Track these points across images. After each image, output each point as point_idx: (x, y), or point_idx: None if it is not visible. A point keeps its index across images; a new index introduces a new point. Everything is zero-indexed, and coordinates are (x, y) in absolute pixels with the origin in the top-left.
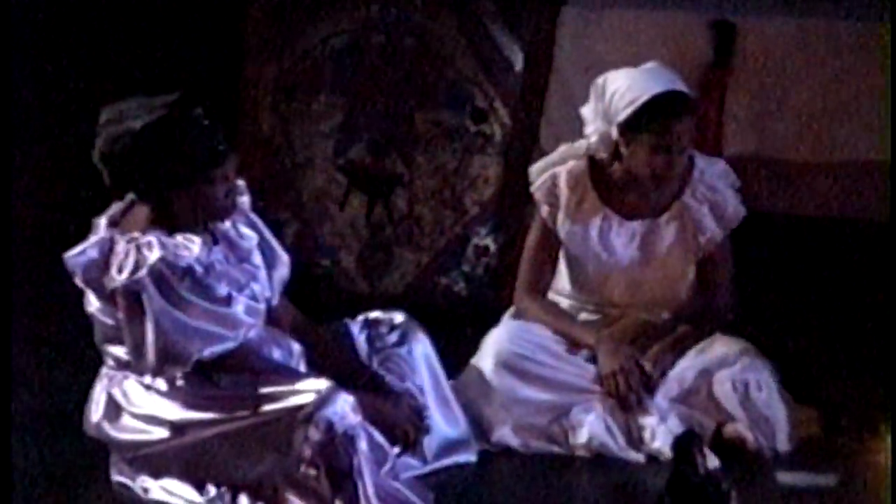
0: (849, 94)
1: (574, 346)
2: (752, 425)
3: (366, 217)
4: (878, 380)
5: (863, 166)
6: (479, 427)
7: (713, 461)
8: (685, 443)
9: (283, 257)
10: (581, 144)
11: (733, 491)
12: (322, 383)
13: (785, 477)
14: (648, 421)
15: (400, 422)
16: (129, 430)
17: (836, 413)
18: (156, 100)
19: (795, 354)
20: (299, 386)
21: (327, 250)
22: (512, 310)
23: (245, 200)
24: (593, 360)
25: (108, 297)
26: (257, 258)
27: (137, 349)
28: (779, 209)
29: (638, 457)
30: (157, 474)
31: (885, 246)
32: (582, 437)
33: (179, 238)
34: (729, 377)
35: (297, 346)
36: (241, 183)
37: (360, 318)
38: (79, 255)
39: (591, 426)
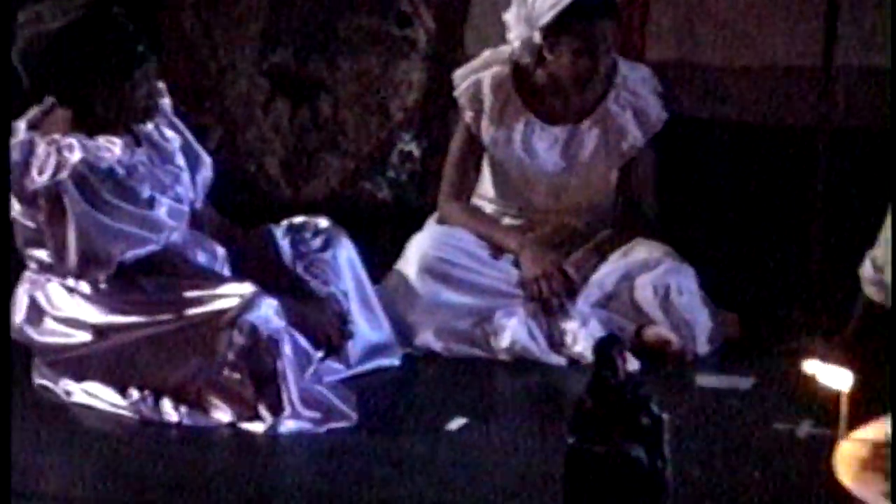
0: None
1: (497, 250)
2: (672, 329)
3: (289, 122)
4: (794, 284)
5: (785, 71)
6: (403, 331)
7: (634, 364)
8: (606, 346)
9: (206, 160)
10: (505, 49)
11: (653, 393)
12: (246, 287)
13: (704, 379)
14: (570, 325)
15: (323, 326)
16: (52, 333)
17: (754, 317)
18: (73, 0)
19: (716, 259)
20: (223, 290)
21: (251, 155)
22: (435, 215)
23: (167, 103)
24: (516, 264)
25: (29, 199)
26: (180, 160)
27: (59, 252)
28: (701, 114)
29: (559, 360)
30: (79, 377)
31: (806, 151)
32: (504, 340)
33: (101, 140)
34: (650, 281)
35: (220, 251)
36: (161, 85)
37: (285, 223)
38: None
39: (514, 330)
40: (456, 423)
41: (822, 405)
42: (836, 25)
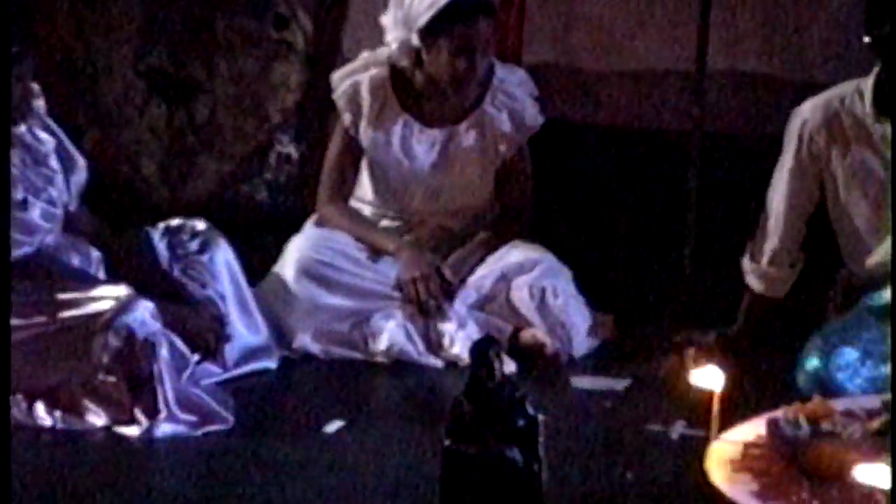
0: (646, 4)
1: (375, 253)
2: (548, 331)
3: (166, 124)
4: (669, 285)
5: (658, 76)
6: (281, 334)
7: (510, 366)
8: (482, 348)
9: (81, 162)
10: (383, 51)
11: (529, 395)
12: (121, 290)
13: (579, 381)
14: (447, 327)
15: (201, 329)
16: None
17: (629, 319)
18: None
19: (591, 261)
20: (98, 292)
21: (127, 157)
22: (314, 217)
23: (40, 104)
24: (396, 266)
25: None
26: (54, 162)
27: None
28: (576, 118)
29: (436, 362)
30: None
31: (679, 154)
32: (382, 343)
33: None
34: (526, 283)
35: (95, 253)
36: (35, 86)
37: (161, 225)
38: None
39: (391, 333)
40: (333, 426)
41: (694, 407)
42: (708, 31)
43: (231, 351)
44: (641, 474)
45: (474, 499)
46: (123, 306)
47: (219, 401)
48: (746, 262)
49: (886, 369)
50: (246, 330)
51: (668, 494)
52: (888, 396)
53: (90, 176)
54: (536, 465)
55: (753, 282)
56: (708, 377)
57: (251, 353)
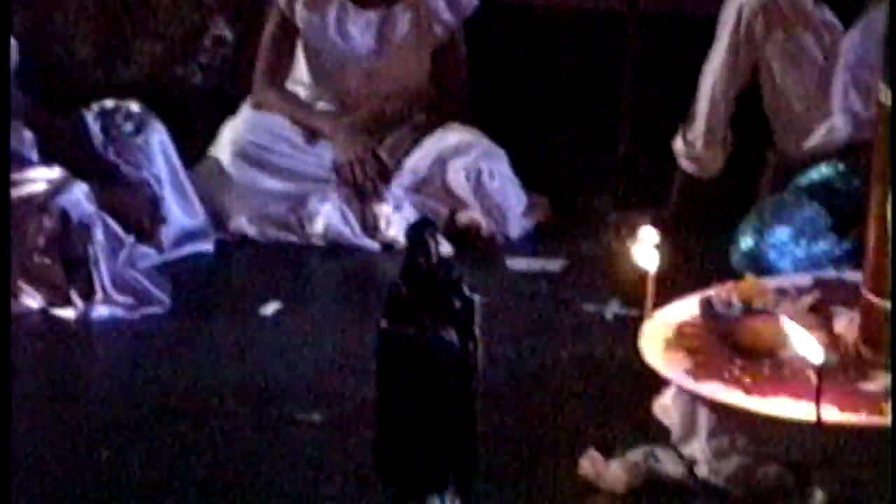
0: None
1: (311, 135)
2: (484, 212)
3: (99, 5)
4: (604, 165)
5: None
6: (217, 216)
7: (446, 248)
8: (418, 230)
9: (12, 43)
10: None
11: (465, 276)
12: (55, 172)
13: (515, 262)
14: (384, 210)
15: (136, 211)
16: None
17: (565, 200)
18: None
19: (527, 143)
20: (32, 174)
21: (60, 39)
22: (249, 100)
23: None
24: (332, 149)
25: None
26: None
27: None
28: None
29: (373, 245)
30: None
31: (614, 35)
32: (318, 226)
33: None
34: (462, 165)
35: (29, 135)
36: None
37: (95, 106)
38: None
39: (327, 215)
40: (270, 308)
41: (629, 287)
42: None
43: (167, 233)
44: (576, 353)
45: (411, 379)
46: (58, 188)
47: (155, 283)
48: (679, 144)
49: (818, 247)
50: (182, 212)
51: (603, 373)
52: (820, 274)
53: (21, 57)
54: (472, 346)
55: (686, 163)
56: (642, 257)
57: (187, 236)
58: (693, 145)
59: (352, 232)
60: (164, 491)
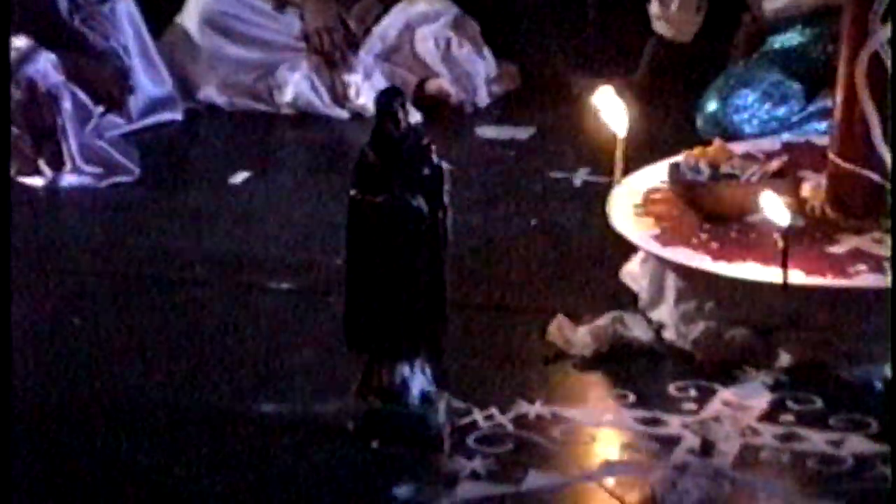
0: None
1: (280, 3)
2: (453, 80)
3: None
4: (572, 32)
5: None
6: (185, 85)
7: (415, 116)
8: (387, 98)
9: None
10: None
11: (434, 144)
12: (22, 41)
13: (484, 130)
14: (353, 78)
15: (104, 80)
16: None
17: (534, 68)
18: None
19: (496, 10)
20: None
21: None
22: None
23: None
24: (301, 17)
25: None
26: None
27: None
28: None
29: (342, 113)
30: None
31: None
32: (287, 94)
33: None
34: (431, 34)
35: None
36: None
37: None
38: None
39: (296, 84)
40: (239, 177)
41: (597, 154)
42: None
43: (135, 103)
44: (546, 220)
45: (380, 247)
46: (24, 57)
47: (123, 152)
48: (654, 7)
49: (785, 111)
50: (150, 81)
51: (572, 239)
52: (787, 138)
53: None
54: (441, 213)
55: (661, 27)
56: (611, 123)
57: (155, 105)
58: (669, 7)
59: (321, 101)
60: (134, 357)
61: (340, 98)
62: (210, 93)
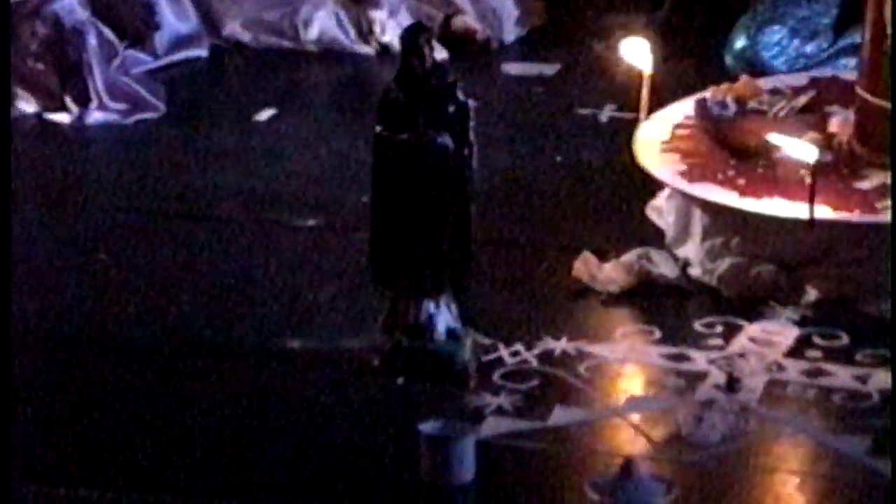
0: None
1: None
2: (479, 17)
3: None
4: None
5: None
6: (210, 22)
7: (441, 53)
8: (413, 35)
9: None
10: None
11: (460, 81)
12: None
13: (510, 67)
14: (379, 15)
15: (129, 17)
16: None
17: (559, 4)
18: None
19: None
20: None
21: None
22: None
23: None
24: None
25: None
26: None
27: None
28: None
29: (368, 50)
30: None
31: None
32: (312, 31)
33: None
34: None
35: None
36: None
37: None
38: None
39: (322, 20)
40: (265, 114)
41: (624, 90)
42: None
43: (160, 39)
44: (571, 157)
45: (405, 184)
46: None
47: (149, 89)
48: None
49: (813, 46)
50: (175, 18)
51: (598, 176)
52: (815, 73)
53: None
54: (467, 150)
55: None
56: (637, 59)
57: (181, 42)
58: None
59: (346, 37)
60: (160, 294)
61: (366, 35)
62: (235, 29)
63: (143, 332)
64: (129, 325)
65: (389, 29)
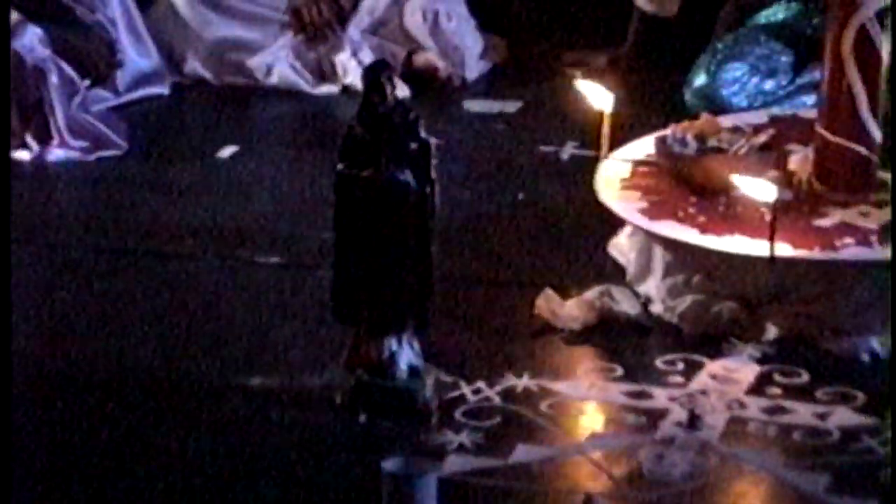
0: None
1: None
2: (441, 54)
3: None
4: (560, 7)
5: None
6: (172, 59)
7: (403, 90)
8: (375, 72)
9: None
10: None
11: (422, 118)
12: (9, 15)
13: (472, 104)
14: (340, 57)
15: (91, 54)
16: None
17: (521, 41)
18: None
19: None
20: None
21: None
22: None
23: None
24: None
25: None
26: None
27: None
28: None
29: (330, 89)
30: None
31: None
32: (273, 75)
33: None
34: (419, 7)
35: None
36: None
37: None
38: None
39: (282, 64)
40: (227, 151)
41: (585, 127)
42: None
43: (122, 76)
44: (533, 194)
45: (367, 222)
46: (11, 32)
47: (111, 126)
48: None
49: (771, 84)
50: (137, 55)
51: (559, 213)
52: (775, 111)
53: None
54: (429, 188)
55: (644, 2)
56: (598, 97)
57: (143, 79)
58: None
59: (307, 76)
60: (122, 331)
61: (329, 76)
62: (197, 67)
63: (103, 369)
64: (89, 362)
65: (351, 71)
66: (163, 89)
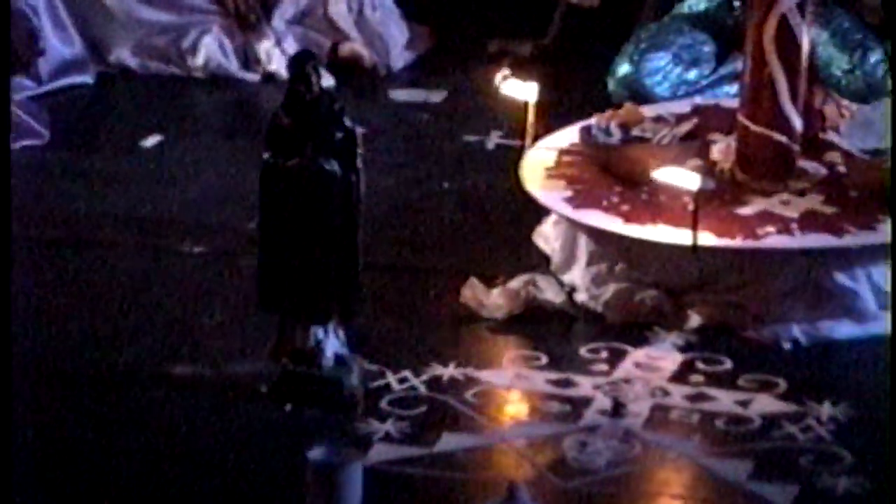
0: None
1: None
2: (366, 44)
3: None
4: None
5: None
6: (96, 48)
7: (328, 80)
8: (300, 62)
9: None
10: None
11: (347, 108)
12: None
13: (397, 93)
14: (264, 45)
15: (12, 42)
16: None
17: (446, 30)
18: None
19: None
20: None
21: None
22: None
23: None
24: None
25: None
26: None
27: None
28: None
29: (254, 77)
30: None
31: None
32: (199, 58)
33: None
34: None
35: None
36: None
37: None
38: None
39: (209, 47)
40: (151, 140)
41: (510, 117)
42: None
43: (45, 65)
44: (458, 183)
45: (293, 210)
46: None
47: (33, 115)
48: None
49: (694, 74)
50: (60, 43)
51: (484, 202)
52: (697, 100)
53: None
54: (354, 177)
55: None
56: (522, 87)
57: (66, 67)
58: None
59: (232, 65)
60: (45, 320)
61: (253, 64)
62: (122, 55)
63: (27, 358)
64: (13, 351)
65: (275, 58)
66: (87, 78)
